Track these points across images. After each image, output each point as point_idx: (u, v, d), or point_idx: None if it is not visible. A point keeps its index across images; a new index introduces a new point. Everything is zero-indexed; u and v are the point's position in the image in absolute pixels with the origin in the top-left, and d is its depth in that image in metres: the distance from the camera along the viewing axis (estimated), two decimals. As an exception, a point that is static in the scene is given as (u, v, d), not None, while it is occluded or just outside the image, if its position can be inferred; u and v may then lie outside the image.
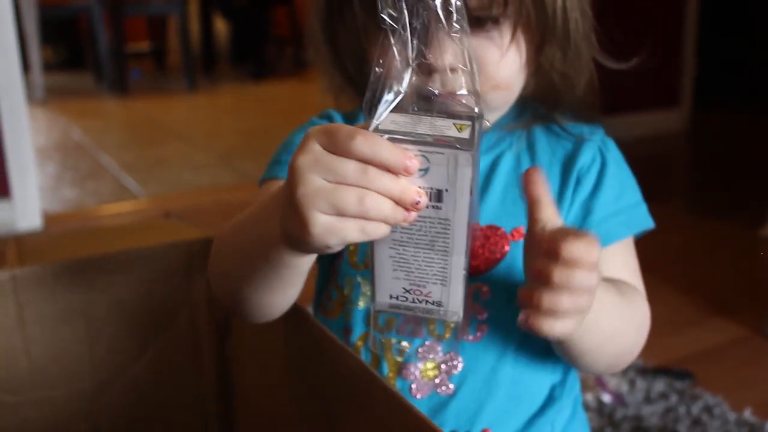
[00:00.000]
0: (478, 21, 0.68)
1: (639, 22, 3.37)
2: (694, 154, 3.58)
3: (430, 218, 0.51)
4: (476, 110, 0.52)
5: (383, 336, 0.76)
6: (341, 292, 0.77)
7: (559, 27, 0.72)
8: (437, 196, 0.50)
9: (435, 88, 0.68)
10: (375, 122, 0.51)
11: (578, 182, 0.77)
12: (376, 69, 0.53)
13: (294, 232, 0.52)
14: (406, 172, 0.49)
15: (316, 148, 0.50)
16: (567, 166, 0.78)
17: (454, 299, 0.56)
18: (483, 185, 0.77)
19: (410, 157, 0.49)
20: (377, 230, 0.50)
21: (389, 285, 0.56)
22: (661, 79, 3.64)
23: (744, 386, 1.49)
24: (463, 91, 0.68)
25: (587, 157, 0.78)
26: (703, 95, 3.84)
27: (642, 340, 0.76)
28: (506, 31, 0.69)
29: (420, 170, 0.49)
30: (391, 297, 0.56)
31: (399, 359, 0.76)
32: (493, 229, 0.75)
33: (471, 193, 0.50)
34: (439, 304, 0.56)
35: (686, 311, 1.81)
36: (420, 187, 0.50)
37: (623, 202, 0.78)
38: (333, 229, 0.50)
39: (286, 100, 4.80)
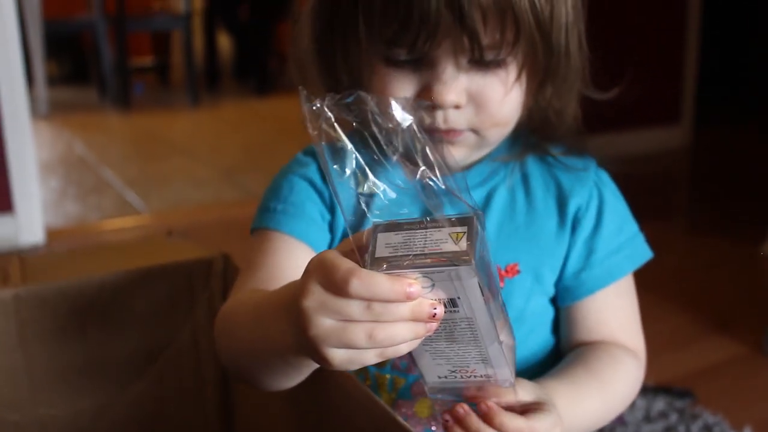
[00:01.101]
0: (486, 59, 0.68)
1: (640, 39, 3.39)
2: (695, 171, 3.59)
3: (452, 319, 0.51)
4: (470, 210, 0.50)
5: (378, 371, 0.77)
6: None
7: (562, 65, 0.73)
8: (451, 302, 0.50)
9: (438, 124, 0.69)
10: (368, 256, 0.50)
11: (577, 223, 0.78)
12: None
13: (314, 360, 0.53)
14: (409, 299, 0.48)
15: (317, 289, 0.50)
16: (561, 202, 0.78)
17: (500, 370, 0.56)
18: None
19: (410, 284, 0.48)
20: (397, 352, 0.51)
21: (434, 370, 0.56)
22: (663, 96, 3.65)
23: (744, 404, 1.49)
24: (464, 128, 0.69)
25: (583, 195, 0.78)
26: (704, 112, 3.85)
27: (631, 400, 0.78)
28: (512, 69, 0.70)
29: (427, 287, 0.49)
30: (439, 377, 0.57)
31: (393, 395, 0.76)
32: None
33: (483, 293, 0.50)
34: (487, 376, 0.56)
35: (686, 329, 1.81)
36: (432, 299, 0.50)
37: (624, 236, 0.79)
38: (352, 360, 0.51)
39: (289, 115, 4.79)
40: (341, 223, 0.78)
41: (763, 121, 4.06)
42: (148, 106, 5.34)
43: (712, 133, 3.94)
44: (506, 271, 0.75)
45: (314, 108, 0.51)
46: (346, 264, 0.49)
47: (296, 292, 0.51)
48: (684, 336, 1.78)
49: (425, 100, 0.68)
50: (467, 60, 0.68)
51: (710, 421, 1.41)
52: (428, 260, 0.48)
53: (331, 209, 0.78)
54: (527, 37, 0.67)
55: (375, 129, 0.52)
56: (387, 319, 0.48)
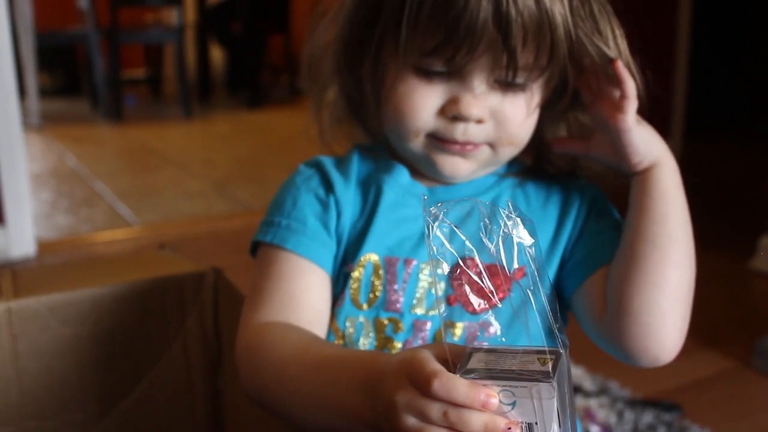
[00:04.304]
0: (517, 81, 0.71)
1: (630, 53, 3.41)
2: (684, 185, 3.60)
3: None
4: (560, 348, 0.55)
5: (377, 317, 0.77)
6: (340, 333, 0.77)
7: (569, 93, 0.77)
8: (528, 428, 0.53)
9: (456, 136, 0.71)
10: (460, 366, 0.54)
11: (570, 220, 0.80)
12: None
13: None
14: (484, 408, 0.51)
15: (407, 384, 0.54)
16: (559, 210, 0.80)
17: None
18: None
19: (488, 394, 0.52)
20: None
21: None
22: (652, 111, 3.67)
23: (732, 418, 1.50)
24: (483, 141, 0.72)
25: (575, 202, 0.81)
26: (694, 126, 3.87)
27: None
28: (536, 94, 0.73)
29: (508, 404, 0.52)
30: None
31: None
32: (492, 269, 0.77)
33: (560, 423, 0.53)
34: None
35: (675, 343, 1.82)
36: (511, 421, 0.53)
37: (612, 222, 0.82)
38: None
39: (281, 128, 4.82)
40: (347, 226, 0.79)
41: (752, 136, 4.08)
42: (140, 118, 5.34)
43: (702, 147, 3.96)
44: (513, 275, 0.77)
45: (433, 212, 0.57)
46: (432, 365, 0.53)
47: (387, 380, 0.56)
48: (673, 350, 1.78)
49: (449, 112, 0.71)
50: (498, 78, 0.70)
51: (698, 434, 1.42)
52: (513, 375, 0.53)
53: (338, 215, 0.79)
54: (558, 64, 0.71)
55: (483, 238, 0.58)
56: (461, 428, 0.52)
